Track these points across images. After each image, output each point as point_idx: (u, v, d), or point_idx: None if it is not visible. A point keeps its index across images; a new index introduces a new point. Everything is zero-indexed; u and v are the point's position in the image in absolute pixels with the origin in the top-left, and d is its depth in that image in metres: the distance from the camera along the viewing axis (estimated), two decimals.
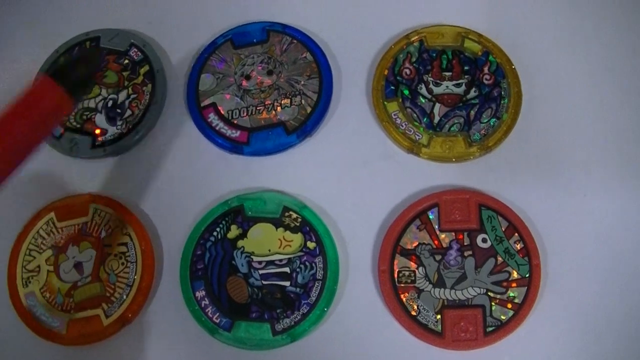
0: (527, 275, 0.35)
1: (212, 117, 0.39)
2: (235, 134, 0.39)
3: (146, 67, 0.41)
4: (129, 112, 0.40)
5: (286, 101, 0.39)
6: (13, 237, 0.38)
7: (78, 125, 0.40)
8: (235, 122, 0.39)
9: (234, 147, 0.39)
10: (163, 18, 0.44)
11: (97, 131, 0.40)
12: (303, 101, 0.39)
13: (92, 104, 0.41)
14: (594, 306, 0.35)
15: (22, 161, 0.28)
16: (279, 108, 0.39)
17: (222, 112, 0.39)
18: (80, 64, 0.31)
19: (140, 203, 0.39)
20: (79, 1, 0.45)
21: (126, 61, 0.41)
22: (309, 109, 0.39)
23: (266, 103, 0.39)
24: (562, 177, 0.38)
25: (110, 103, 0.40)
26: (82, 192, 0.39)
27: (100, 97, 0.41)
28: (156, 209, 0.39)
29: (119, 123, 0.40)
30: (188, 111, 0.40)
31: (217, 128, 0.39)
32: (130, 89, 0.41)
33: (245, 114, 0.39)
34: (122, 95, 0.41)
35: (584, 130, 0.38)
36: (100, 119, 0.40)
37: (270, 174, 0.39)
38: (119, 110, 0.40)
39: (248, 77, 0.40)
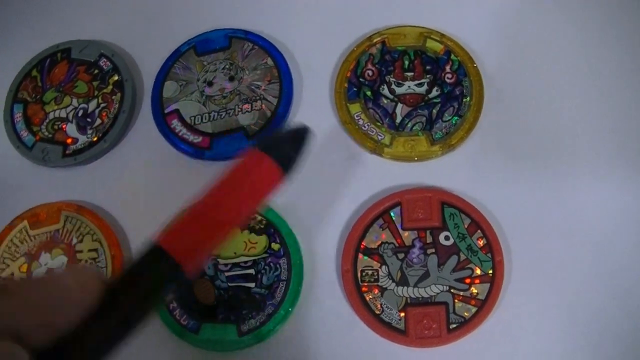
0: (490, 272, 0.35)
1: (175, 124, 0.40)
2: (197, 139, 0.39)
3: (115, 77, 0.42)
4: (98, 121, 0.41)
5: (247, 106, 0.40)
6: None
7: (49, 135, 0.41)
8: (197, 127, 0.40)
9: (196, 152, 0.39)
10: (131, 28, 0.45)
11: (68, 140, 0.41)
12: (264, 106, 0.40)
13: (62, 114, 0.42)
14: (557, 302, 0.35)
15: (233, 229, 0.27)
16: (240, 113, 0.40)
17: (185, 118, 0.40)
18: (292, 141, 0.30)
19: (110, 210, 0.40)
20: (50, 14, 0.46)
21: (96, 71, 0.42)
22: (269, 114, 0.39)
23: (228, 108, 0.40)
24: (524, 174, 0.38)
25: (80, 112, 0.41)
26: (54, 200, 0.40)
27: (71, 107, 0.42)
28: (126, 215, 0.39)
29: (89, 132, 0.41)
30: (153, 118, 0.41)
31: (180, 134, 0.40)
32: (100, 98, 0.42)
33: (207, 119, 0.40)
34: (92, 105, 0.42)
35: (545, 127, 0.39)
36: (71, 128, 0.41)
37: None
38: (89, 120, 0.41)
39: (210, 84, 0.41)
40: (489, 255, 0.36)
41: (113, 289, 0.20)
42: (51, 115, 0.42)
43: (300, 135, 0.30)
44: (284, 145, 0.29)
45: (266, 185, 0.27)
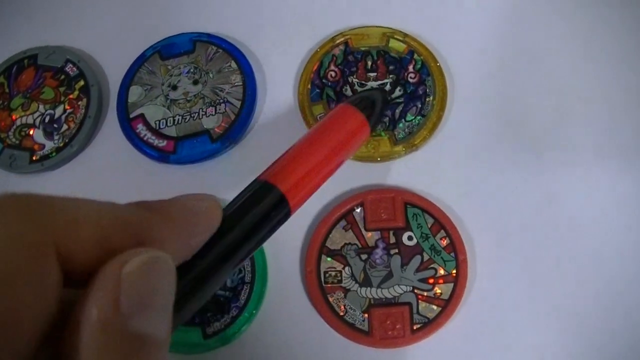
0: (453, 272, 0.35)
1: (140, 128, 0.40)
2: (162, 143, 0.40)
3: (81, 82, 0.42)
4: (65, 127, 0.41)
5: (211, 110, 0.40)
6: None
7: (17, 142, 0.41)
8: (162, 131, 0.40)
9: (161, 156, 0.39)
10: (98, 34, 0.45)
11: (35, 146, 0.41)
12: (227, 109, 0.40)
13: (29, 120, 0.42)
14: (521, 300, 0.35)
15: (320, 183, 0.28)
16: (204, 117, 0.40)
17: (150, 122, 0.40)
18: (377, 97, 0.32)
19: None
20: (16, 21, 0.46)
21: (62, 77, 0.43)
22: (232, 116, 0.39)
23: (192, 112, 0.40)
24: (488, 173, 0.38)
25: (47, 118, 0.42)
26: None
27: (38, 113, 0.42)
28: None
29: (55, 137, 0.41)
30: (118, 123, 0.41)
31: (145, 138, 0.40)
32: (66, 104, 0.42)
33: (172, 123, 0.40)
34: (59, 111, 0.42)
35: (509, 125, 0.38)
36: (38, 134, 0.41)
37: (196, 181, 0.39)
38: (55, 125, 0.41)
39: (175, 88, 0.41)
40: (453, 254, 0.36)
41: (224, 220, 0.21)
42: (18, 122, 0.42)
43: (383, 96, 0.33)
44: (372, 105, 0.31)
45: (356, 138, 0.30)
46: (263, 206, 0.23)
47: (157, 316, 0.16)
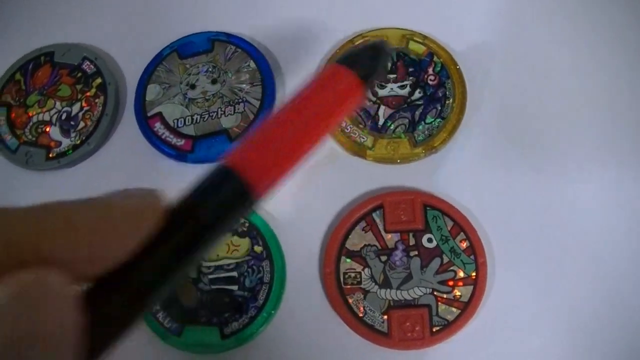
0: (473, 274, 0.35)
1: (158, 126, 0.40)
2: (180, 142, 0.39)
3: (98, 80, 0.42)
4: (82, 124, 0.41)
5: (229, 109, 0.40)
6: None
7: (33, 138, 0.41)
8: (180, 130, 0.40)
9: (179, 155, 0.39)
10: (114, 32, 0.44)
11: (52, 143, 0.41)
12: (246, 108, 0.40)
13: (46, 117, 0.41)
14: (540, 304, 0.35)
15: (312, 148, 0.24)
16: (222, 116, 0.40)
17: (168, 121, 0.40)
18: (370, 52, 0.28)
19: None
20: (33, 18, 0.46)
21: (79, 74, 0.42)
22: (251, 116, 0.39)
23: (210, 111, 0.40)
24: (507, 176, 0.38)
25: (64, 116, 0.41)
26: (37, 203, 0.40)
27: (54, 110, 0.42)
28: None
29: (72, 135, 0.41)
30: (136, 121, 0.41)
31: (163, 137, 0.40)
32: (83, 101, 0.42)
33: (190, 122, 0.40)
34: (76, 108, 0.41)
35: (528, 128, 0.39)
36: (54, 131, 0.41)
37: None
38: (72, 123, 0.41)
39: (193, 87, 0.41)
40: (472, 257, 0.36)
41: (172, 216, 0.18)
42: (34, 119, 0.42)
43: (378, 49, 0.28)
44: (363, 59, 0.27)
45: (347, 98, 0.26)
46: (220, 199, 0.19)
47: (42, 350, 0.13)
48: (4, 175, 0.41)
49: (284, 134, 0.22)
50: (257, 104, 0.40)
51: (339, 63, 0.26)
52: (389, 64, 0.40)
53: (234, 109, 0.40)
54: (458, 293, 0.35)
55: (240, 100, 0.40)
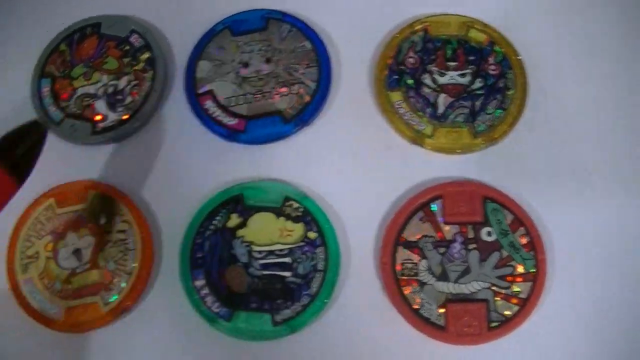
0: (532, 270, 0.35)
1: (209, 105, 0.39)
2: (232, 121, 0.38)
3: (147, 54, 0.40)
4: (129, 99, 0.40)
5: (284, 89, 0.39)
6: (12, 223, 0.38)
7: (78, 111, 0.40)
8: (232, 109, 0.38)
9: (231, 134, 0.38)
10: (163, 5, 0.43)
11: (97, 117, 0.39)
12: (301, 90, 0.39)
13: (91, 90, 0.40)
14: (600, 302, 0.34)
15: None
16: (276, 96, 0.39)
17: (220, 99, 0.39)
18: (22, 141, 0.28)
19: (139, 190, 0.38)
20: None
21: (127, 47, 0.41)
22: (307, 98, 0.38)
23: (264, 91, 0.39)
24: (568, 171, 0.37)
25: (110, 89, 0.40)
26: (82, 178, 0.39)
27: (100, 84, 0.40)
28: (155, 196, 0.38)
29: (119, 109, 0.39)
30: (185, 98, 0.40)
31: (214, 115, 0.39)
32: (131, 75, 0.40)
33: (242, 101, 0.39)
34: (123, 82, 0.40)
35: (591, 123, 0.38)
36: (100, 105, 0.40)
37: (266, 162, 0.38)
38: (119, 97, 0.40)
39: (246, 65, 0.40)
40: (532, 253, 0.35)
41: None
42: (80, 91, 0.40)
43: (30, 133, 0.28)
44: (14, 148, 0.26)
45: None
46: None
47: None
48: (47, 148, 0.39)
49: None
50: (313, 85, 0.38)
51: None
52: (449, 53, 0.39)
53: (289, 90, 0.39)
54: (517, 289, 0.34)
55: (295, 81, 0.39)
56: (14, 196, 0.28)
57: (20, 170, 0.27)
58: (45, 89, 0.40)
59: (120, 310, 0.36)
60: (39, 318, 0.36)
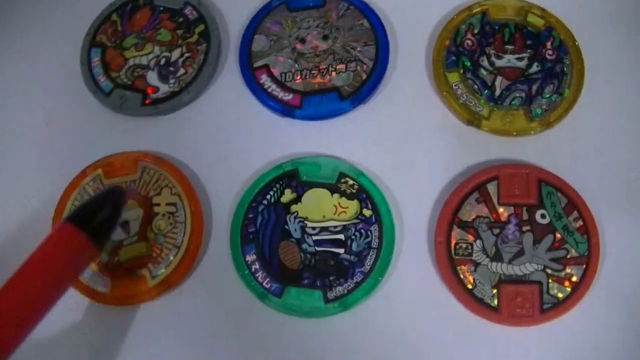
0: (585, 254, 0.34)
1: (264, 79, 0.39)
2: (288, 97, 0.38)
3: (201, 27, 0.40)
4: (182, 71, 0.39)
5: (341, 67, 0.38)
6: (59, 193, 0.37)
7: (129, 82, 0.39)
8: (288, 85, 0.38)
9: (286, 110, 0.38)
10: None
11: (149, 89, 0.39)
12: (359, 67, 0.38)
13: (143, 61, 0.40)
14: None
15: (45, 312, 0.27)
16: (333, 73, 0.38)
17: (275, 74, 0.39)
18: (103, 208, 0.29)
19: (190, 164, 0.38)
20: None
21: (180, 19, 0.41)
22: (364, 76, 0.38)
23: (320, 68, 0.39)
24: (622, 158, 0.37)
25: (163, 61, 0.40)
26: (130, 150, 0.38)
27: (153, 55, 0.40)
28: (206, 170, 0.38)
29: (171, 81, 0.39)
30: (240, 72, 0.39)
31: (269, 90, 0.38)
32: (184, 47, 0.40)
33: (298, 77, 0.38)
34: (176, 54, 0.40)
35: None
36: (152, 76, 0.39)
37: (322, 139, 0.38)
38: (171, 69, 0.39)
39: (303, 41, 0.40)
40: (585, 237, 0.35)
41: None
42: (131, 62, 0.40)
43: (112, 200, 0.29)
44: (95, 214, 0.28)
45: (75, 261, 0.27)
46: None
47: None
48: (95, 119, 0.39)
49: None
50: (370, 64, 0.38)
51: (70, 221, 0.26)
52: (507, 37, 0.39)
53: (346, 67, 0.38)
54: (570, 272, 0.34)
55: (352, 58, 0.39)
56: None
57: (100, 237, 0.28)
58: (96, 59, 0.40)
59: (168, 284, 0.35)
60: (84, 291, 0.35)
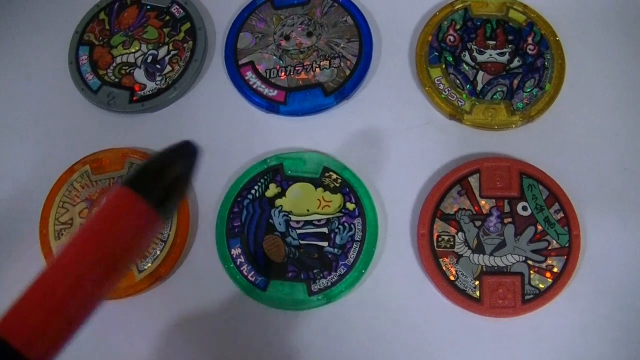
0: (566, 245, 0.35)
1: (250, 76, 0.39)
2: (272, 93, 0.39)
3: (188, 25, 0.41)
4: (169, 69, 0.40)
5: (325, 63, 0.39)
6: (47, 190, 0.38)
7: (116, 80, 0.40)
8: (273, 81, 0.39)
9: (271, 106, 0.38)
10: None
11: (136, 86, 0.39)
12: (342, 64, 0.39)
13: (131, 59, 0.40)
14: (632, 279, 0.35)
15: (97, 299, 0.21)
16: (317, 69, 0.39)
17: (261, 71, 0.39)
18: (172, 165, 0.22)
19: None
20: None
21: (167, 18, 0.41)
22: (348, 72, 0.39)
23: (305, 64, 0.39)
24: (603, 151, 0.37)
25: (150, 59, 0.40)
26: (119, 146, 0.39)
27: (140, 53, 0.40)
28: None
29: (158, 79, 0.40)
30: (226, 69, 0.40)
31: (254, 87, 0.39)
32: (171, 45, 0.40)
33: (283, 74, 0.39)
34: (163, 52, 0.40)
35: (626, 104, 0.38)
36: (139, 74, 0.40)
37: (307, 134, 0.38)
38: (158, 66, 0.40)
39: (287, 38, 0.40)
40: (566, 229, 0.35)
41: None
42: (119, 60, 0.40)
43: (187, 155, 0.23)
44: (160, 179, 0.21)
45: (136, 232, 0.21)
46: None
47: None
48: (84, 116, 0.40)
49: (58, 290, 0.19)
50: (354, 60, 0.39)
51: (130, 186, 0.21)
52: (489, 33, 0.40)
53: (330, 64, 0.39)
54: (551, 263, 0.35)
55: (336, 55, 0.39)
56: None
57: (165, 207, 0.22)
58: (84, 57, 0.40)
59: (154, 278, 0.35)
60: None
